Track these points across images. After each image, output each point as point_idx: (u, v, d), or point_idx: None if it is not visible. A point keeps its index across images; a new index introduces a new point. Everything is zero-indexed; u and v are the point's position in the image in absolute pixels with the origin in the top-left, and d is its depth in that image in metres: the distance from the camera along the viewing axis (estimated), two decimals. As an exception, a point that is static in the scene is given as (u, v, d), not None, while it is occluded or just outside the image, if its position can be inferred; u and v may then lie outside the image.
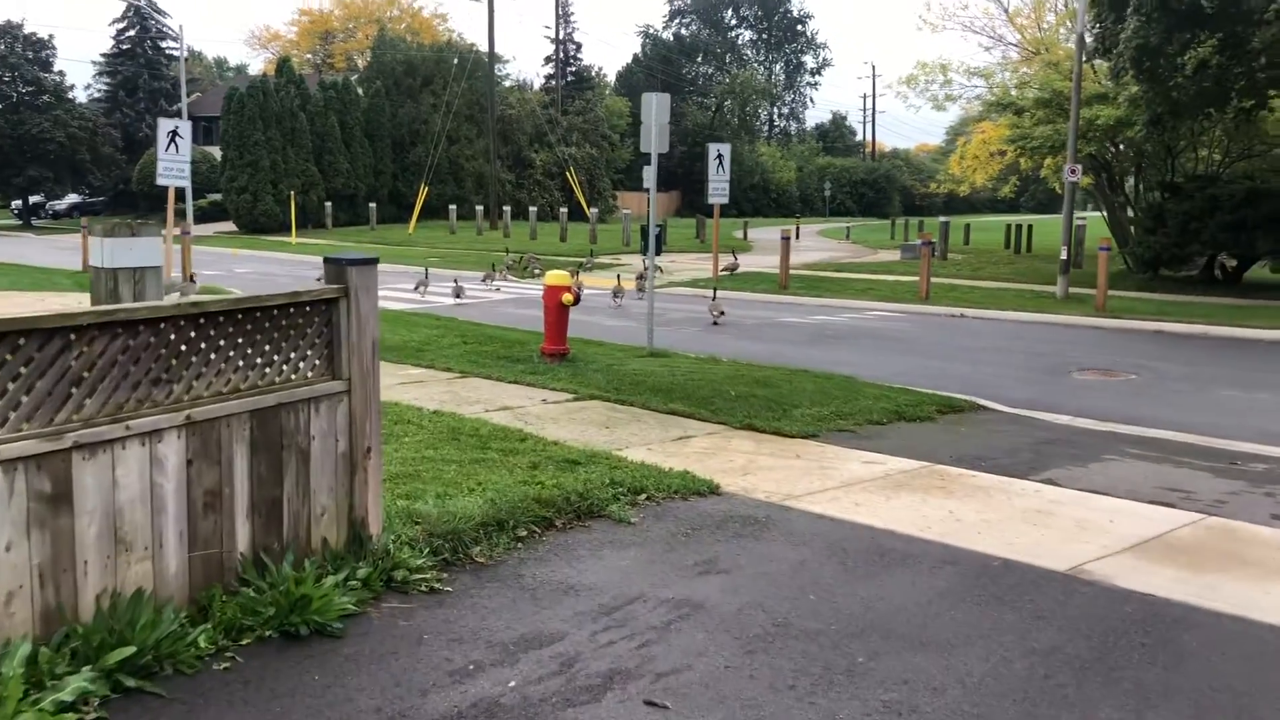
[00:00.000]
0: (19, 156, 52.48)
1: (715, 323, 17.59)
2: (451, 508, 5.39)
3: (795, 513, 6.32)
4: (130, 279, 4.46)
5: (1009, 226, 37.18)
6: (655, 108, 12.87)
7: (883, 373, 12.49)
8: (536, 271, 27.74)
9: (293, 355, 4.45)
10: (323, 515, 4.60)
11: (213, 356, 4.11)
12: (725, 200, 24.65)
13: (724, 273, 26.36)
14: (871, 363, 13.48)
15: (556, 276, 12.30)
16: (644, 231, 37.29)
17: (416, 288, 21.07)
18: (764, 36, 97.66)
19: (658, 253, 34.97)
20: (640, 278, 23.85)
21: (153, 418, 3.86)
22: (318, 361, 4.56)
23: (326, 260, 4.67)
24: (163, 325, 3.91)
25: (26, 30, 55.85)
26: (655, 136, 12.87)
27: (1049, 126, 24.52)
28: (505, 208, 45.19)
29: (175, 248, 22.61)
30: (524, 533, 5.49)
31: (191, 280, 19.64)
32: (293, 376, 4.45)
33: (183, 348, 3.99)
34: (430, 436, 7.64)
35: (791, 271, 24.74)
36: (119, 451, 3.75)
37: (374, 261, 4.66)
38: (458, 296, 20.44)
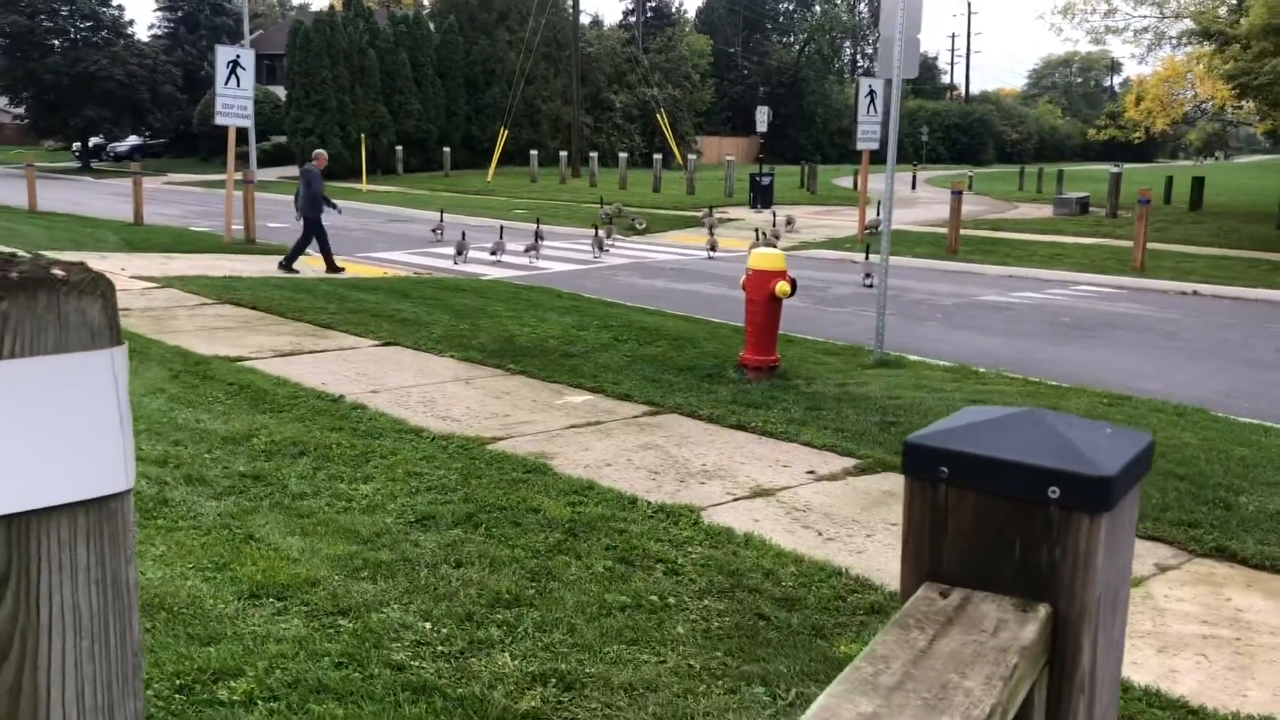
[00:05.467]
0: (76, 96, 49.49)
1: (868, 286, 15.08)
2: None
3: None
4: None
5: (1169, 179, 32.51)
6: (902, 13, 8.97)
7: (1200, 392, 8.80)
8: (640, 226, 24.12)
9: None
10: None
11: None
12: (876, 146, 20.75)
13: (868, 231, 22.47)
14: (1176, 378, 9.67)
15: (766, 257, 8.60)
16: (753, 181, 33.38)
17: (493, 251, 17.25)
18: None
19: (766, 205, 31.31)
20: (776, 236, 20.19)
21: None
22: None
23: (913, 453, 0.96)
24: None
25: (83, -39, 52.71)
26: (898, 55, 9.01)
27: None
28: (592, 154, 41.30)
29: (236, 195, 19.22)
30: None
31: None
32: None
33: None
34: (699, 623, 4.04)
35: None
36: None
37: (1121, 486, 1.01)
38: (600, 249, 18.36)
